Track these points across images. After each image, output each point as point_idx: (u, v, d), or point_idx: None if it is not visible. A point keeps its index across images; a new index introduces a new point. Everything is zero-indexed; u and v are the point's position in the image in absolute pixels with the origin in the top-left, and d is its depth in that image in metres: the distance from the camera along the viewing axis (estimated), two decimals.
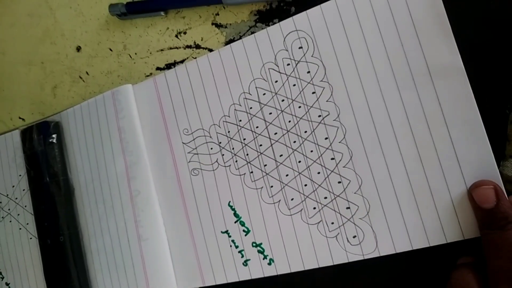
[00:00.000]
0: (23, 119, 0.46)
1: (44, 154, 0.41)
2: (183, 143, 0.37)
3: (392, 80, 0.30)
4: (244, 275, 0.34)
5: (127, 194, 0.38)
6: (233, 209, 0.35)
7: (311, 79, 0.33)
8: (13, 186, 0.44)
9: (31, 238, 0.42)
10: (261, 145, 0.34)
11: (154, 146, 0.38)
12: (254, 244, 0.34)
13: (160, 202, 0.37)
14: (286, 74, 0.33)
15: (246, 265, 0.34)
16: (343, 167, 0.31)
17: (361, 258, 0.31)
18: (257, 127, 0.34)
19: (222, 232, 0.35)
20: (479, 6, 0.29)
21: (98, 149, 0.40)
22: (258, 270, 0.34)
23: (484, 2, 0.29)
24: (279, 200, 0.33)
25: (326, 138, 0.32)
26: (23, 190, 0.43)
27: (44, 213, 0.40)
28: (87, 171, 0.41)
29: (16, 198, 0.43)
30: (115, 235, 0.39)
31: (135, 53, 0.41)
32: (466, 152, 0.28)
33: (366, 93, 0.31)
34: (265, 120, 0.34)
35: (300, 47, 0.33)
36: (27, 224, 0.43)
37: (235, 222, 0.35)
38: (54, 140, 0.41)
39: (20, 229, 0.43)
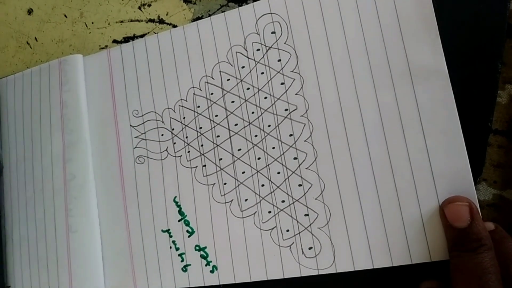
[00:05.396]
0: None
1: None
2: (131, 125, 0.32)
3: (369, 77, 0.27)
4: (182, 282, 0.30)
5: (60, 178, 0.33)
6: (179, 206, 0.30)
7: (281, 68, 0.29)
8: None
9: None
10: (218, 136, 0.30)
11: (98, 126, 0.33)
12: (197, 248, 0.30)
13: (97, 190, 0.32)
14: (254, 60, 0.30)
15: (185, 270, 0.30)
16: (306, 168, 0.28)
17: (315, 273, 0.27)
18: (216, 115, 0.30)
19: (162, 230, 0.31)
20: (470, 10, 0.27)
21: (35, 123, 0.35)
22: (198, 277, 0.29)
23: (476, 6, 0.27)
24: (232, 200, 0.29)
25: (290, 135, 0.29)
26: None
27: None
28: (19, 147, 0.35)
29: None
30: (42, 223, 0.33)
31: (92, 22, 0.36)
32: (441, 164, 0.25)
33: (339, 89, 0.28)
34: (226, 109, 0.30)
35: (273, 32, 0.30)
36: None
37: (179, 221, 0.30)
38: None
39: None
